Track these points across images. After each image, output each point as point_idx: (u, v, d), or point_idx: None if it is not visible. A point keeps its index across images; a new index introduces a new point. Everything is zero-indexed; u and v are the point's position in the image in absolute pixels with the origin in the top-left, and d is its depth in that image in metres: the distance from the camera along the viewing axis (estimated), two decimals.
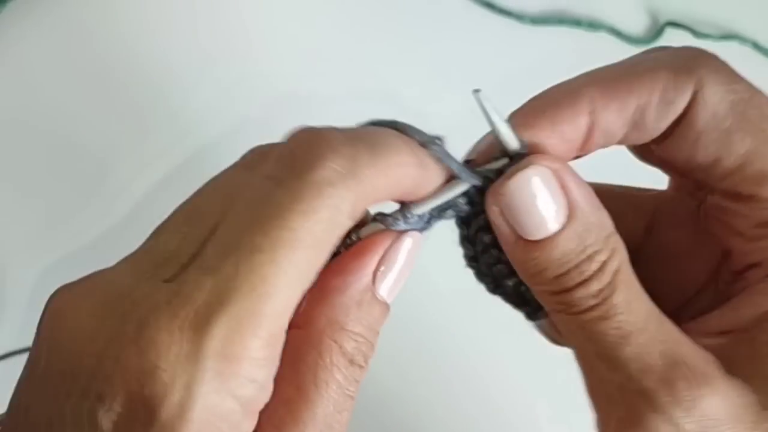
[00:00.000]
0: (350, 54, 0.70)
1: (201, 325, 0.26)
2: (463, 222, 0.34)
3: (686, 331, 0.32)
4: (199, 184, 0.31)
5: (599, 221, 0.32)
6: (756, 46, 0.72)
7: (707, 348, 0.31)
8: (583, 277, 0.31)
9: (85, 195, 0.65)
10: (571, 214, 0.31)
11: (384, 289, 0.30)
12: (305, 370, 0.29)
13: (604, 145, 0.33)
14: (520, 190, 0.31)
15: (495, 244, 0.33)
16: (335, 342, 0.29)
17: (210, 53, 0.70)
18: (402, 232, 0.31)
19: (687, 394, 0.30)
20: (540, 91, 0.34)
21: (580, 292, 0.31)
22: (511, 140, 0.32)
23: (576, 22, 0.72)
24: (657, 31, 0.72)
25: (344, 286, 0.30)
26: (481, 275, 0.36)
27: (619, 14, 0.73)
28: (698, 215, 0.36)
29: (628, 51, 0.74)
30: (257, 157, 0.31)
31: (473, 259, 0.35)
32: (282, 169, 0.29)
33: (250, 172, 0.30)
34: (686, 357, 0.31)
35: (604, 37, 0.72)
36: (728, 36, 0.72)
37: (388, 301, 0.31)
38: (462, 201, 0.33)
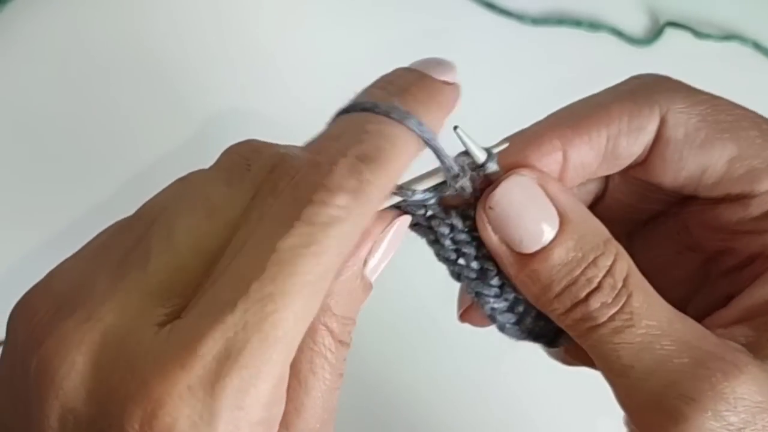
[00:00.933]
0: (349, 54, 0.70)
1: (213, 383, 0.25)
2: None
3: (707, 325, 0.32)
4: None
5: (593, 227, 0.32)
6: (757, 46, 0.72)
7: (727, 337, 0.31)
8: (592, 285, 0.31)
9: (85, 195, 0.65)
10: (562, 221, 0.31)
11: (370, 271, 0.31)
12: (301, 358, 0.29)
13: (582, 179, 0.34)
14: (506, 199, 0.31)
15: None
16: (326, 326, 0.29)
17: (213, 52, 0.70)
18: (393, 217, 0.31)
19: (727, 386, 0.29)
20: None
21: (594, 302, 0.31)
22: (492, 165, 0.32)
23: (576, 22, 0.72)
24: (657, 31, 0.72)
25: (337, 274, 0.29)
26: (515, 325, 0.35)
27: (620, 14, 0.73)
28: (673, 226, 0.37)
29: (629, 51, 0.74)
30: (244, 172, 0.29)
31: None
32: (284, 208, 0.27)
33: (243, 194, 0.28)
34: (717, 349, 0.30)
35: (604, 37, 0.72)
36: (729, 36, 0.72)
37: (372, 281, 0.31)
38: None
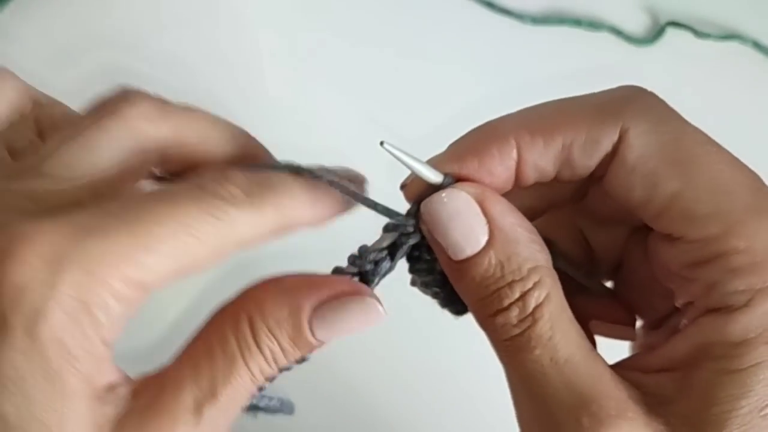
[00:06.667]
0: (348, 54, 0.70)
1: (75, 238, 0.28)
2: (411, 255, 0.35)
3: (633, 366, 0.33)
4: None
5: (525, 252, 0.32)
6: (756, 45, 0.72)
7: (644, 384, 0.32)
8: (502, 305, 0.32)
9: None
10: (490, 240, 0.32)
11: (317, 324, 0.31)
12: (219, 335, 0.31)
13: (540, 179, 0.34)
14: (435, 211, 0.33)
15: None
16: (250, 324, 0.31)
17: (210, 54, 0.70)
18: (358, 291, 0.32)
19: (590, 430, 0.30)
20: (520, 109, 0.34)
21: (501, 319, 0.32)
22: (434, 175, 0.33)
23: (576, 21, 0.72)
24: (658, 31, 0.72)
25: (288, 290, 0.31)
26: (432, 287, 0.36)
27: (620, 14, 0.73)
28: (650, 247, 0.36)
29: (629, 51, 0.74)
30: (114, 116, 0.33)
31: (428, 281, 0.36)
32: (193, 185, 0.31)
33: (120, 140, 0.32)
34: (601, 394, 0.31)
35: (604, 36, 0.72)
36: (729, 36, 0.72)
37: (316, 335, 0.31)
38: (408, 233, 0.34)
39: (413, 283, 0.36)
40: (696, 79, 0.71)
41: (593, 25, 0.72)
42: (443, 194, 0.33)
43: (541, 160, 0.33)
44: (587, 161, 0.33)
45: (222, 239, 0.30)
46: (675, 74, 0.72)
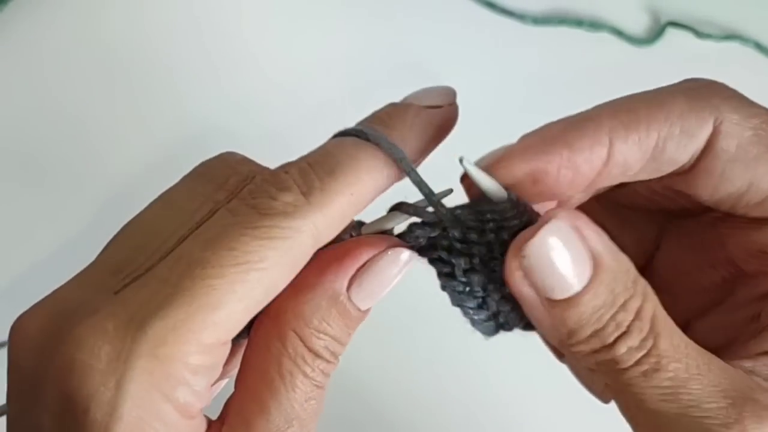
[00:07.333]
0: (349, 54, 0.70)
1: (135, 326, 0.27)
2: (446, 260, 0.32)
3: (727, 360, 0.31)
4: None
5: (624, 267, 0.30)
6: (758, 46, 0.72)
7: (758, 374, 0.30)
8: (621, 330, 0.29)
9: (85, 194, 0.65)
10: (596, 266, 0.29)
11: (359, 297, 0.30)
12: (270, 359, 0.29)
13: (617, 180, 0.32)
14: (541, 248, 0.29)
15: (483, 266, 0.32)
16: (296, 333, 0.30)
17: (210, 55, 0.70)
18: (389, 246, 0.31)
19: (759, 430, 0.28)
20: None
21: (622, 347, 0.29)
22: (499, 192, 0.31)
23: (577, 22, 0.72)
24: (658, 31, 0.72)
25: (317, 285, 0.30)
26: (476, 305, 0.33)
27: (621, 14, 0.73)
28: (708, 235, 0.35)
29: (630, 51, 0.74)
30: (211, 175, 0.31)
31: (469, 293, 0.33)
32: (238, 202, 0.29)
33: (206, 192, 0.30)
34: (748, 391, 0.29)
35: (605, 37, 0.72)
36: (730, 36, 0.72)
37: (362, 308, 0.30)
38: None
39: (445, 282, 0.33)
40: None
41: (594, 25, 0.72)
42: (549, 228, 0.29)
43: (632, 156, 0.31)
44: (680, 156, 0.31)
45: (293, 253, 0.28)
46: (675, 74, 0.71)
